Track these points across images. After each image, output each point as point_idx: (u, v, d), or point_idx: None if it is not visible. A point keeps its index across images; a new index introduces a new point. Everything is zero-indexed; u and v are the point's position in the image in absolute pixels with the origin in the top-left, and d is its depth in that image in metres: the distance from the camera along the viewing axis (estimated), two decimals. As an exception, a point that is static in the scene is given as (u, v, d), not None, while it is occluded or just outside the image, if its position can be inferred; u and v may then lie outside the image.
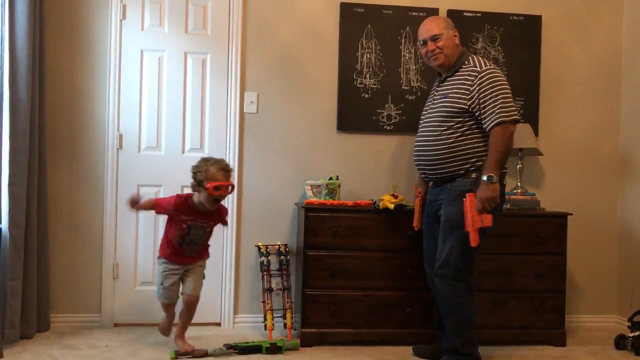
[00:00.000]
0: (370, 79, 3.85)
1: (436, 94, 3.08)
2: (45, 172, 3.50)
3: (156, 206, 3.08)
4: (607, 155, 4.10)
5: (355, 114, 3.84)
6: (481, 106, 2.86)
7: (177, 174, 3.73)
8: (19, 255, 3.22)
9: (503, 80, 2.88)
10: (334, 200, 3.56)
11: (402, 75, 3.88)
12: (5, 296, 3.14)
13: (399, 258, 3.40)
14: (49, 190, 3.58)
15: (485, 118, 2.85)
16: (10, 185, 3.17)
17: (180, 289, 3.18)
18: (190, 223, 3.04)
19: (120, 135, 3.69)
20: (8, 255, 3.14)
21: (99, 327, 3.63)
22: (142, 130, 3.73)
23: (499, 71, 2.92)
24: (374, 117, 3.85)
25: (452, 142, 2.91)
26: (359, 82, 3.84)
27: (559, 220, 3.53)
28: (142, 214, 3.68)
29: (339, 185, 3.63)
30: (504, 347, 3.40)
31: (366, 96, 3.84)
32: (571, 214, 3.57)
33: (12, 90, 3.19)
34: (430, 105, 3.10)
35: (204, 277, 3.22)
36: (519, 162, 3.80)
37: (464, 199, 2.82)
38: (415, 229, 3.25)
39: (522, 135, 3.71)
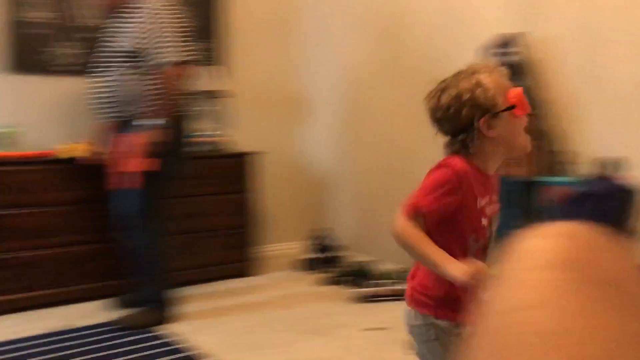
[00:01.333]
0: (40, 12, 3.44)
1: (108, 33, 2.92)
2: None
3: (429, 212, 1.37)
4: (289, 97, 4.45)
5: (26, 52, 3.41)
6: (151, 46, 2.76)
7: None
8: None
9: (174, 19, 2.80)
10: (10, 152, 3.17)
11: (74, 11, 3.55)
12: None
13: (86, 211, 3.22)
14: None
15: (154, 59, 2.77)
16: None
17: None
18: (491, 208, 1.46)
19: None
20: None
21: None
22: None
23: (172, 8, 2.82)
24: (47, 57, 3.47)
25: (127, 85, 2.79)
26: (28, 15, 3.40)
27: (241, 159, 3.74)
28: None
29: (17, 134, 3.23)
30: (198, 285, 3.51)
31: (37, 32, 3.43)
32: (259, 153, 3.83)
33: None
34: (104, 45, 2.93)
35: None
36: (211, 105, 3.88)
37: None
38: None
39: (213, 78, 3.79)
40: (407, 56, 3.74)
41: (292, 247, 4.49)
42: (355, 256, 3.95)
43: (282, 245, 4.47)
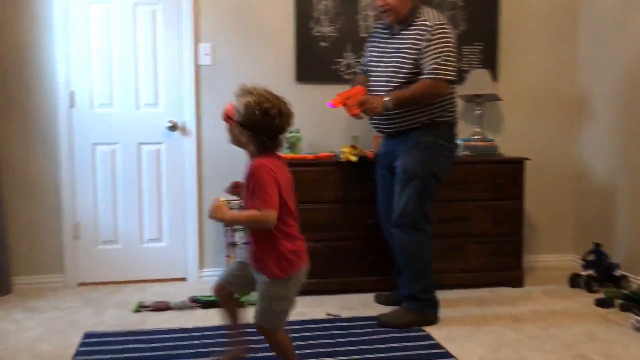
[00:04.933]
0: (327, 26, 3.77)
1: (389, 46, 3.03)
2: (-5, 133, 3.40)
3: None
4: (564, 99, 4.12)
5: (313, 64, 3.77)
6: (424, 58, 2.86)
7: (133, 130, 3.65)
8: (-27, 220, 3.15)
9: (449, 38, 2.87)
10: (295, 153, 3.54)
11: (359, 22, 3.80)
12: (-38, 262, 3.10)
13: (359, 209, 3.43)
14: (1, 151, 3.48)
15: (423, 69, 2.86)
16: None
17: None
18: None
19: (72, 92, 3.57)
20: (-39, 221, 3.08)
21: (63, 287, 3.62)
22: (94, 87, 3.61)
23: (449, 28, 2.90)
24: (333, 67, 3.79)
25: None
26: (316, 30, 3.75)
27: (516, 165, 3.58)
28: (100, 171, 3.64)
29: (300, 139, 3.60)
30: (463, 290, 3.50)
31: (324, 45, 3.77)
32: (528, 159, 3.62)
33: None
34: (382, 57, 3.05)
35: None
36: (478, 109, 3.81)
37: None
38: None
39: (481, 81, 3.71)
40: None
41: (563, 260, 4.16)
42: (634, 277, 3.48)
43: (552, 257, 4.17)
